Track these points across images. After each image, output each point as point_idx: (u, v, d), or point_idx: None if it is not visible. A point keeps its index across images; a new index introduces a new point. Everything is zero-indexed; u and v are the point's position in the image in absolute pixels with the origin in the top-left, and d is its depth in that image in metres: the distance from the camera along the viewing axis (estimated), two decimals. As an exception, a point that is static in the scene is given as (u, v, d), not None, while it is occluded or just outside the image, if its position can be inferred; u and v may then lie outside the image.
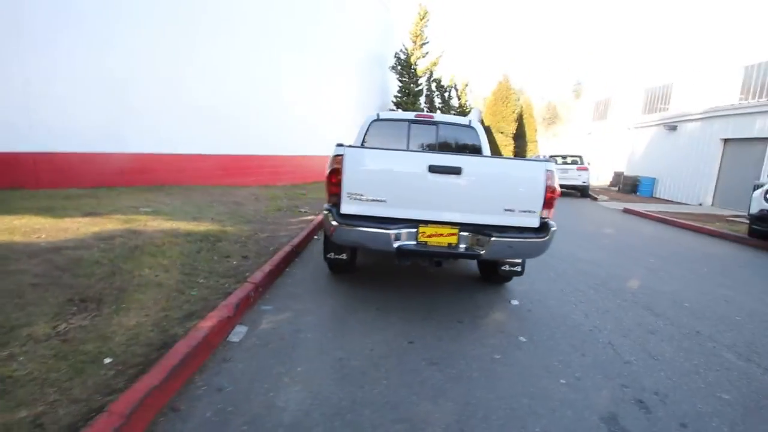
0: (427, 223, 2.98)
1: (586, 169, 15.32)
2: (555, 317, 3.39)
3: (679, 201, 15.42)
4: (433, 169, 2.93)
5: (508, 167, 3.06)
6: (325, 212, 3.04)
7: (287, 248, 4.54)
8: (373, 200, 2.97)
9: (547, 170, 2.97)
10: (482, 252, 2.95)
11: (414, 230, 2.98)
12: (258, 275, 3.51)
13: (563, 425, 1.98)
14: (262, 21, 10.17)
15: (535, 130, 41.61)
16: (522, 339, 2.93)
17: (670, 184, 16.28)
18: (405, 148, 4.71)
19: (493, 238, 2.90)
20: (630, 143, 19.92)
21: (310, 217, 7.09)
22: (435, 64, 17.18)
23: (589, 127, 26.20)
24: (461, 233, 2.99)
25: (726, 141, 13.67)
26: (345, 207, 2.98)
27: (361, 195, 2.96)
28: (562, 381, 2.39)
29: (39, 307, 2.54)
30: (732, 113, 13.43)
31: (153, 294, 2.99)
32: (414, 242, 3.00)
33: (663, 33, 19.20)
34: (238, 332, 2.69)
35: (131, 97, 7.84)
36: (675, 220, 9.84)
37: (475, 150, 4.71)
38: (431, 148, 4.72)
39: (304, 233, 5.43)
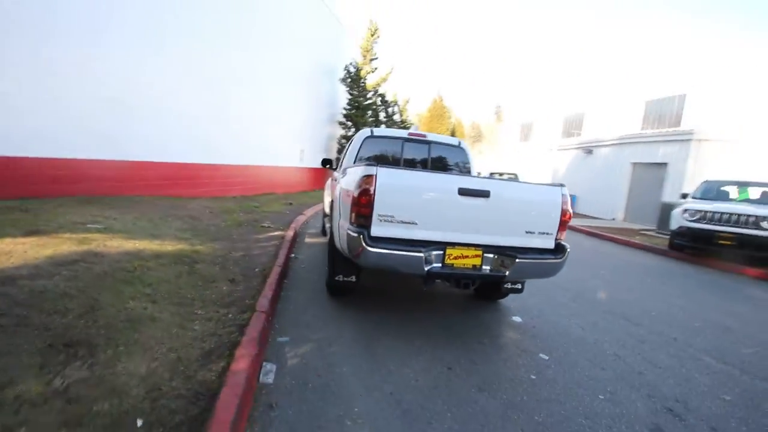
0: (453, 245, 2.97)
1: None
2: (560, 333, 3.57)
3: (595, 216, 17.39)
4: (463, 191, 2.94)
5: (530, 191, 3.19)
6: (352, 234, 2.87)
7: (277, 269, 4.21)
8: (404, 222, 2.89)
9: (563, 194, 3.16)
10: (507, 273, 3.02)
11: (441, 252, 2.94)
12: (263, 302, 3.19)
13: (625, 443, 2.07)
14: (212, 20, 9.50)
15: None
16: (544, 357, 3.03)
17: (588, 201, 18.31)
18: (400, 165, 4.69)
19: (518, 260, 2.99)
20: (552, 163, 22.07)
21: (277, 233, 6.69)
22: (384, 80, 17.51)
23: (516, 147, 28.50)
24: (485, 255, 3.02)
25: (634, 164, 15.81)
26: (376, 229, 2.85)
27: (392, 217, 2.86)
28: (600, 397, 2.51)
29: (16, 358, 2.02)
30: (639, 141, 15.60)
31: (151, 331, 2.56)
32: (440, 264, 2.96)
33: (577, 66, 21.78)
34: (268, 371, 2.40)
35: (64, 92, 6.76)
36: (605, 234, 11.08)
37: (466, 169, 4.85)
38: (424, 166, 4.75)
39: (283, 252, 5.09)
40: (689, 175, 13.22)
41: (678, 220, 7.93)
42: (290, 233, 6.56)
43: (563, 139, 22.47)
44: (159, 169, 8.17)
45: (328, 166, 6.69)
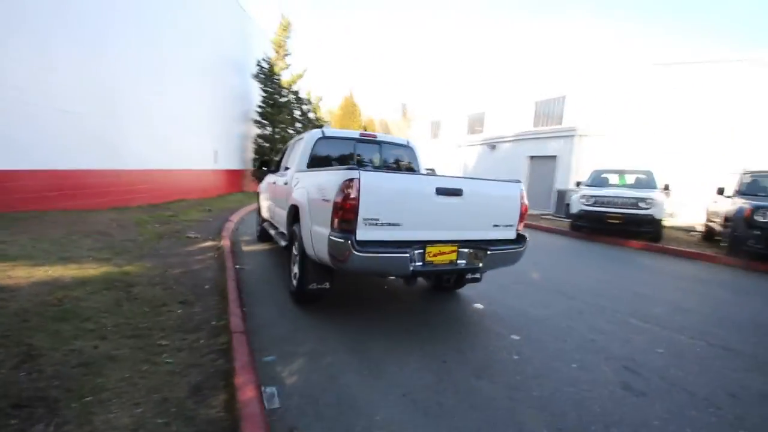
0: (433, 243, 3.06)
1: None
2: (518, 314, 3.91)
3: (502, 204, 19.24)
4: (440, 191, 3.05)
5: (495, 188, 3.42)
6: (337, 240, 2.77)
7: (232, 284, 3.86)
8: (389, 224, 2.88)
9: (521, 190, 3.47)
10: (480, 265, 3.22)
11: (422, 251, 3.02)
12: (236, 322, 2.91)
13: (601, 396, 2.38)
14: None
15: (378, 145, 45.49)
16: (516, 337, 3.30)
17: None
18: (349, 162, 4.63)
19: (489, 252, 3.21)
20: (461, 158, 23.81)
21: (208, 244, 6.12)
22: (299, 77, 16.91)
23: (427, 143, 30.04)
24: (460, 250, 3.18)
25: (531, 158, 17.87)
26: (362, 233, 2.79)
27: (377, 220, 2.84)
28: (573, 366, 2.84)
29: (-50, 435, 1.56)
30: (534, 137, 17.65)
31: (116, 373, 2.17)
32: (422, 263, 3.03)
33: (478, 68, 23.75)
34: (270, 395, 2.21)
35: None
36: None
37: (412, 168, 5.00)
38: (376, 166, 4.77)
39: (229, 264, 4.68)
40: (574, 166, 15.41)
41: (577, 204, 9.21)
42: (226, 242, 6.04)
43: (468, 135, 24.35)
44: (40, 178, 6.80)
45: (264, 168, 6.32)
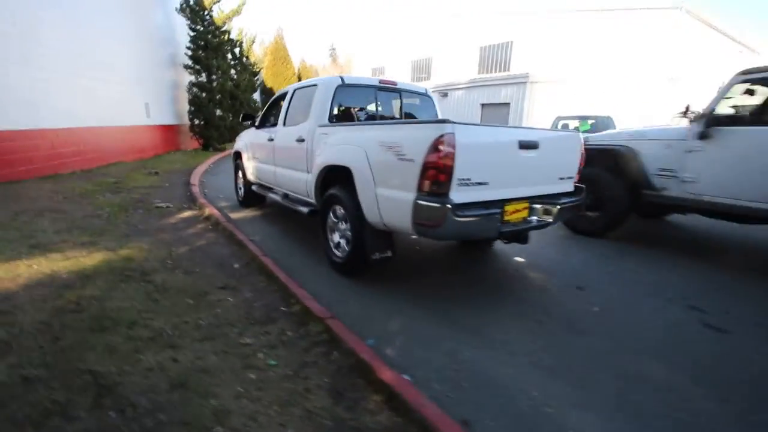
0: (510, 201, 2.87)
1: None
2: (561, 263, 3.93)
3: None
4: (522, 144, 2.80)
5: (563, 139, 3.24)
6: (429, 204, 2.44)
7: (267, 260, 3.36)
8: (478, 183, 2.60)
9: (581, 140, 3.35)
10: (550, 220, 3.11)
11: (500, 210, 2.81)
12: (315, 305, 2.53)
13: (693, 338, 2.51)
14: None
15: (314, 94, 42.81)
16: (581, 289, 3.33)
17: (445, 140, 20.30)
18: (374, 118, 4.15)
19: (558, 207, 3.10)
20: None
21: (188, 213, 5.34)
22: (236, 12, 14.64)
23: (369, 92, 28.91)
24: (532, 206, 3.03)
25: (483, 105, 18.06)
26: (456, 195, 2.48)
27: (469, 179, 2.53)
28: (645, 311, 2.95)
29: None
30: (486, 84, 17.73)
31: (226, 390, 1.75)
32: (501, 223, 2.84)
33: (423, 12, 22.77)
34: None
35: None
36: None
37: (431, 112, 4.65)
38: (395, 115, 4.33)
39: (242, 236, 4.09)
40: (526, 112, 15.92)
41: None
42: (212, 210, 5.28)
43: (417, 83, 23.81)
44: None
45: (249, 122, 5.48)
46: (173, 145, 13.81)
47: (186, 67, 13.87)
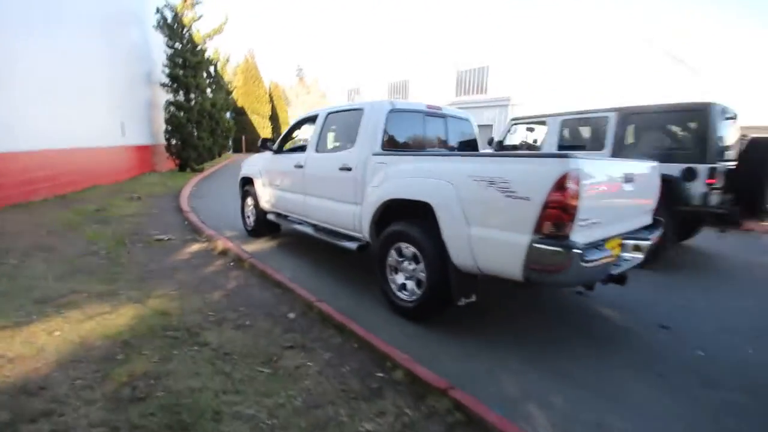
0: (609, 239, 2.63)
1: None
2: (625, 293, 3.77)
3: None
4: (627, 178, 2.60)
5: (648, 168, 3.07)
6: (549, 248, 2.14)
7: (328, 308, 2.91)
8: (593, 223, 2.34)
9: (658, 169, 3.21)
10: (641, 256, 2.91)
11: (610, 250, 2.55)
12: (424, 372, 2.13)
13: None
14: None
15: (286, 111, 42.28)
16: (666, 328, 3.13)
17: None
18: (422, 146, 3.85)
19: (648, 241, 2.91)
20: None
21: (198, 247, 4.78)
22: (218, 31, 14.11)
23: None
24: (623, 242, 2.82)
25: (465, 127, 18.34)
26: (577, 236, 2.21)
27: (588, 218, 2.27)
28: (749, 351, 2.78)
29: None
30: (471, 106, 18.01)
31: None
32: (613, 264, 2.59)
33: (400, 35, 23.19)
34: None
35: None
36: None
37: (474, 144, 4.43)
38: (442, 144, 4.06)
39: (280, 277, 3.60)
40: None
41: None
42: (226, 243, 4.72)
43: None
44: None
45: (265, 148, 5.03)
46: (148, 166, 12.87)
47: (163, 85, 13.09)
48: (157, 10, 12.50)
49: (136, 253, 4.37)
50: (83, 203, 6.94)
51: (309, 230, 4.26)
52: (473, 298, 2.79)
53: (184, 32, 13.07)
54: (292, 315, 2.87)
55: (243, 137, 33.43)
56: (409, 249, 2.97)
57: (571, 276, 2.21)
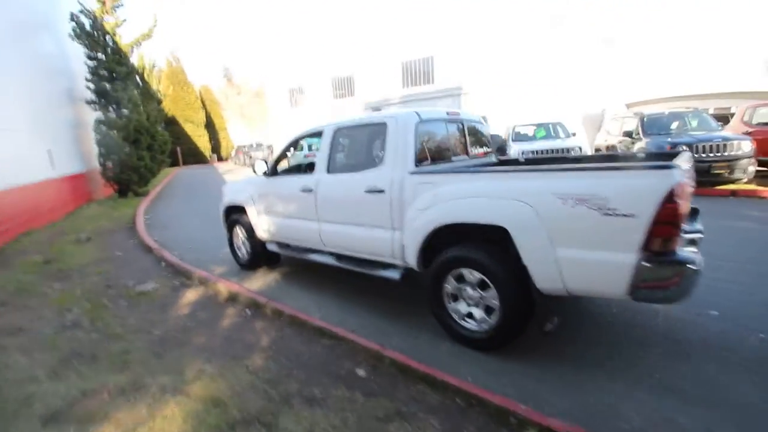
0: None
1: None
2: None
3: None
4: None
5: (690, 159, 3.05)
6: (657, 266, 2.01)
7: (377, 346, 2.58)
8: (686, 232, 2.24)
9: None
10: (697, 251, 2.90)
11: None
12: (492, 397, 1.91)
13: None
14: None
15: (222, 117, 39.75)
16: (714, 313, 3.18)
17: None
18: (449, 156, 3.60)
19: (703, 234, 2.91)
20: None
21: (195, 294, 4.19)
22: (147, 36, 12.58)
23: (290, 112, 27.74)
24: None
25: (420, 118, 18.30)
26: (681, 249, 2.09)
27: (685, 228, 2.16)
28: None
29: None
30: (423, 98, 18.04)
31: None
32: None
33: (342, 29, 22.57)
34: None
35: None
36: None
37: (487, 142, 4.27)
38: (464, 151, 3.82)
39: (321, 323, 3.19)
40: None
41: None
42: (228, 284, 4.16)
43: (339, 100, 23.42)
44: None
45: (264, 172, 4.47)
46: (84, 197, 11.36)
47: (89, 102, 11.55)
48: (72, 17, 10.90)
49: (125, 315, 3.69)
50: (24, 255, 5.85)
51: (329, 260, 3.86)
52: (556, 322, 2.62)
53: (106, 40, 11.56)
54: (361, 372, 2.52)
55: (178, 149, 31.02)
56: (473, 275, 2.73)
57: (681, 290, 2.10)
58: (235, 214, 4.96)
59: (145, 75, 17.79)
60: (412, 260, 3.09)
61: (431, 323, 3.07)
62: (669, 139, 8.01)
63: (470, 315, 2.83)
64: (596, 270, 2.23)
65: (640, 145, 8.72)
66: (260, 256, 4.77)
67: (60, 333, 3.24)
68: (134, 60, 14.82)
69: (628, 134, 9.24)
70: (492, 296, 2.66)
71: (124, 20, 12.08)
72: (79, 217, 9.40)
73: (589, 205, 2.18)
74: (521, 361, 2.60)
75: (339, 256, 3.78)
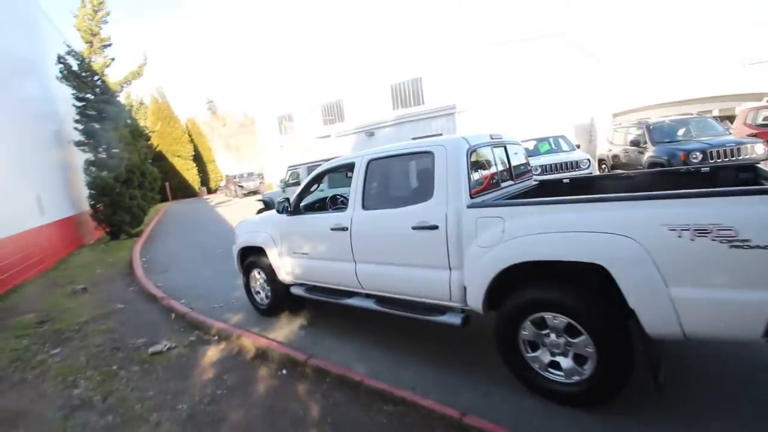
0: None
1: None
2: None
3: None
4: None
5: None
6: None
7: (457, 414, 2.18)
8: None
9: None
10: None
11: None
12: None
13: None
14: None
15: (210, 149, 39.40)
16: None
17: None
18: (498, 183, 3.29)
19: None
20: (331, 150, 22.61)
21: (214, 352, 3.75)
22: (137, 74, 12.30)
23: (280, 141, 27.58)
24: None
25: (414, 139, 18.18)
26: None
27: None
28: None
29: None
30: (415, 119, 18.02)
31: None
32: None
33: (331, 54, 22.75)
34: None
35: None
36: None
37: (528, 165, 4.01)
38: (510, 176, 3.53)
39: (383, 386, 2.77)
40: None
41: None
42: (259, 340, 3.71)
43: (333, 125, 23.36)
44: None
45: (284, 209, 4.09)
46: (76, 242, 10.79)
47: (78, 143, 11.12)
48: (59, 59, 10.59)
49: (142, 386, 3.22)
50: (17, 315, 5.32)
51: (368, 304, 3.47)
52: (663, 372, 2.25)
53: (95, 80, 11.24)
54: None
55: (167, 184, 30.46)
56: (558, 320, 2.37)
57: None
58: (252, 256, 4.55)
59: (133, 112, 17.48)
60: (475, 303, 2.73)
61: (502, 373, 2.69)
62: (681, 147, 7.90)
63: (554, 364, 2.47)
64: (723, 311, 1.90)
65: (649, 154, 8.62)
66: (282, 300, 4.35)
67: (69, 417, 2.76)
68: (122, 98, 14.54)
69: (635, 143, 9.16)
70: (584, 343, 2.30)
71: (113, 59, 11.81)
72: (71, 265, 8.82)
73: (713, 236, 1.86)
74: (636, 421, 2.21)
75: (381, 300, 3.39)
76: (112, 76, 12.19)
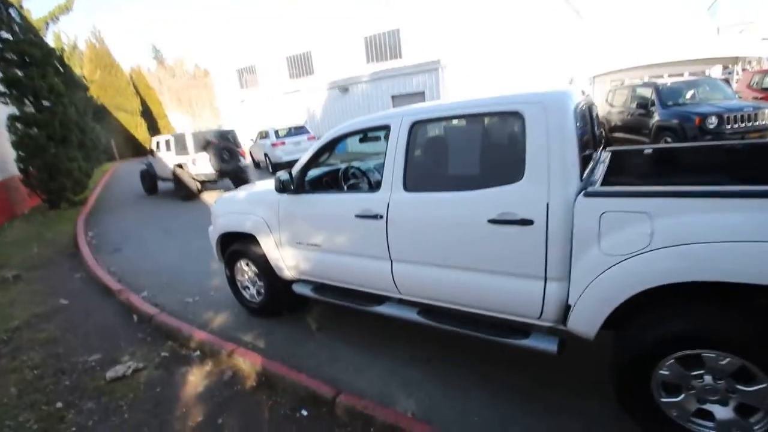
0: None
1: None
2: None
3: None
4: None
5: None
6: None
7: None
8: None
9: None
10: None
11: None
12: None
13: None
14: None
15: (160, 104, 35.61)
16: None
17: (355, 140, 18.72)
18: (590, 154, 2.45)
19: None
20: (301, 106, 20.78)
21: (195, 377, 2.86)
22: (65, 8, 9.97)
23: (240, 96, 25.12)
24: None
25: (394, 97, 16.86)
26: None
27: None
28: None
29: None
30: (396, 74, 16.56)
31: None
32: None
33: (299, 2, 20.30)
34: None
35: None
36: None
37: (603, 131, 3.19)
38: (593, 144, 2.69)
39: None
40: (442, 98, 15.37)
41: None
42: (255, 359, 2.81)
43: (291, 80, 21.42)
44: None
45: (283, 186, 3.06)
46: (5, 212, 9.06)
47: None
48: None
49: (135, 410, 2.28)
50: None
51: (409, 315, 2.64)
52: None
53: (11, 14, 9.00)
54: None
55: (112, 141, 27.35)
56: (726, 360, 1.66)
57: None
58: (237, 244, 3.54)
59: (65, 58, 14.79)
60: (586, 326, 1.96)
61: (609, 414, 2.01)
62: (695, 110, 7.39)
63: (702, 413, 1.79)
64: None
65: (657, 118, 8.10)
66: (281, 299, 3.45)
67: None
68: (50, 40, 12.09)
69: (642, 105, 8.58)
70: (763, 394, 1.62)
71: (31, -13, 9.45)
72: (1, 242, 7.30)
73: None
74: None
75: (429, 312, 2.57)
76: (35, 12, 9.86)
